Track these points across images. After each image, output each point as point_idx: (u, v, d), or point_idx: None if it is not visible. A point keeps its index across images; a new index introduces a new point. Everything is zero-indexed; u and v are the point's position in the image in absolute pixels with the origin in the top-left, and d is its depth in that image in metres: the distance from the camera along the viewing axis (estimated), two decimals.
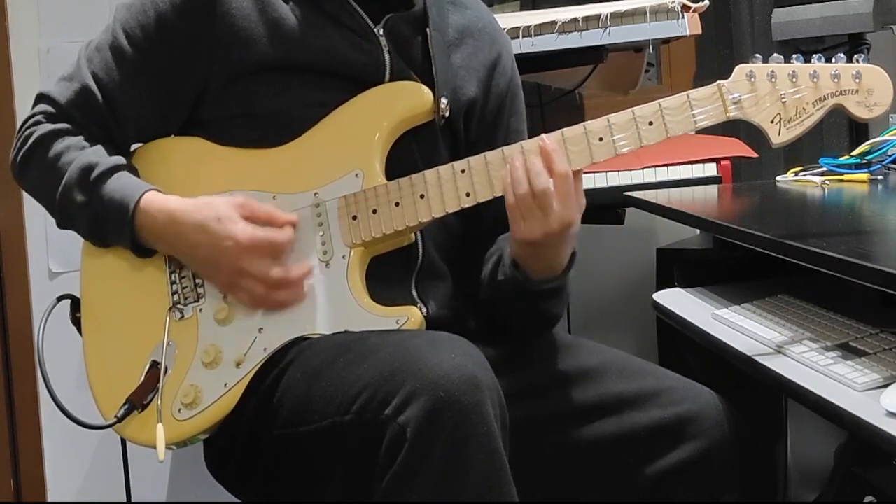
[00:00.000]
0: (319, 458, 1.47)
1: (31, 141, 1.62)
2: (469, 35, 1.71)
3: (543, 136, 1.51)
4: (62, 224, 1.64)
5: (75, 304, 1.66)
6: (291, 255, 1.56)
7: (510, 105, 1.74)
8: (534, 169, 1.48)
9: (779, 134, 1.49)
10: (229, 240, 1.52)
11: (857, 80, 1.47)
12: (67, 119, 1.62)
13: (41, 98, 1.65)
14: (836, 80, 1.48)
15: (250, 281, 1.53)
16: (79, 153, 1.59)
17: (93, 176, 1.57)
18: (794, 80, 1.49)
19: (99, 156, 1.59)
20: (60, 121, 1.62)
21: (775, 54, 1.51)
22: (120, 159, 1.60)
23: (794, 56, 1.50)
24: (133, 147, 1.68)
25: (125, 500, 2.33)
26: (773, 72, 1.49)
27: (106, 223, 1.58)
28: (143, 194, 1.56)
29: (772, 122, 1.49)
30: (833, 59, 1.49)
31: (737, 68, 1.51)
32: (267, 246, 1.52)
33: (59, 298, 1.66)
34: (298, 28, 1.59)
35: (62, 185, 1.58)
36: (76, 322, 1.66)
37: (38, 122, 1.63)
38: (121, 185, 1.57)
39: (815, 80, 1.48)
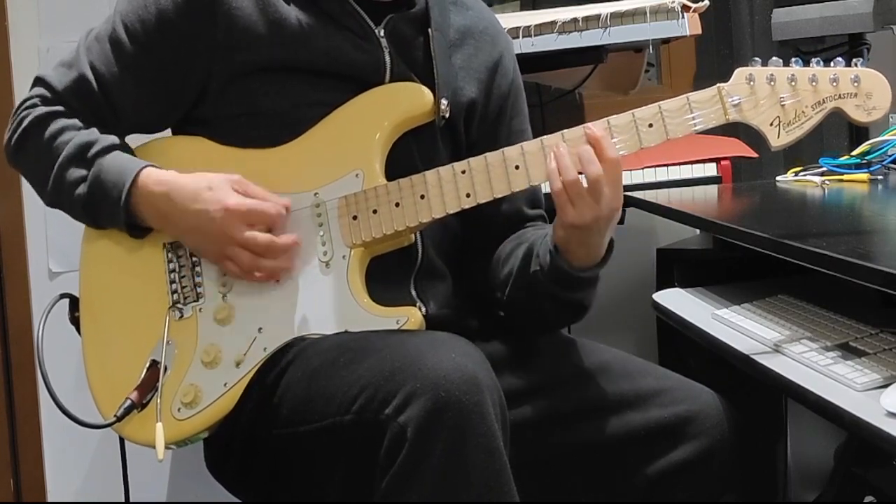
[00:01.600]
0: (319, 457, 1.47)
1: (26, 122, 1.62)
2: (470, 36, 1.71)
3: (588, 124, 1.51)
4: (52, 202, 1.63)
5: (74, 303, 1.66)
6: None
7: (512, 106, 1.74)
8: (586, 156, 1.48)
9: (778, 137, 1.50)
10: (218, 205, 1.52)
11: (856, 84, 1.47)
12: (63, 104, 1.62)
13: (38, 82, 1.65)
14: (834, 83, 1.48)
15: (237, 249, 1.53)
16: (76, 132, 1.60)
17: (91, 152, 1.58)
18: (793, 83, 1.49)
19: (96, 135, 1.60)
20: (55, 104, 1.62)
21: (774, 58, 1.51)
22: (116, 139, 1.61)
23: (793, 59, 1.50)
24: (129, 139, 1.68)
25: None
26: (772, 75, 1.49)
27: (101, 199, 1.57)
28: (141, 169, 1.56)
29: (771, 124, 1.50)
30: (832, 63, 1.49)
31: (736, 71, 1.51)
32: (255, 213, 1.53)
33: (60, 297, 1.66)
34: (299, 29, 1.59)
35: (59, 162, 1.59)
36: (75, 322, 1.66)
37: (34, 105, 1.63)
38: (119, 161, 1.58)
39: (813, 83, 1.49)
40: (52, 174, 1.60)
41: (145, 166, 1.57)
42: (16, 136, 1.64)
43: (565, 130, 1.52)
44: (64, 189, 1.60)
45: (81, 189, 1.58)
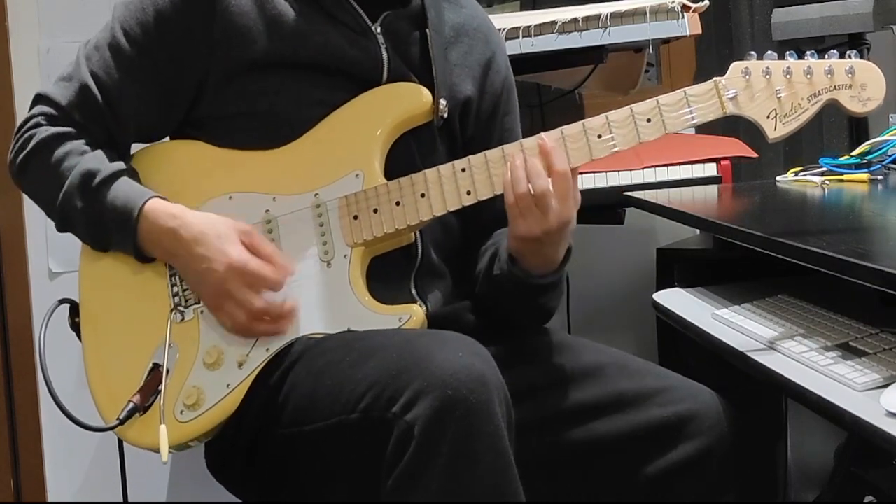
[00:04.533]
0: (325, 456, 1.47)
1: (31, 144, 1.60)
2: (464, 33, 1.73)
3: (542, 134, 1.52)
4: (61, 228, 1.63)
5: (74, 308, 1.65)
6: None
7: (505, 104, 1.75)
8: (534, 169, 1.49)
9: (775, 129, 1.52)
10: (223, 257, 1.52)
11: (850, 76, 1.50)
12: (68, 121, 1.61)
13: (40, 99, 1.63)
14: (829, 75, 1.50)
15: (233, 305, 1.52)
16: (80, 158, 1.58)
17: (95, 182, 1.56)
18: (789, 76, 1.51)
19: (100, 162, 1.58)
20: (61, 123, 1.61)
21: (769, 52, 1.53)
22: (121, 165, 1.60)
23: (788, 53, 1.53)
24: (133, 146, 1.68)
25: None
26: (767, 68, 1.51)
27: (109, 229, 1.57)
28: (146, 200, 1.55)
29: (767, 117, 1.52)
30: (826, 56, 1.52)
31: (732, 65, 1.53)
32: (256, 276, 1.52)
33: (60, 302, 1.64)
34: (297, 25, 1.59)
35: (63, 190, 1.58)
36: (75, 327, 1.65)
37: (38, 125, 1.61)
38: (123, 191, 1.57)
39: (809, 76, 1.51)
40: (57, 203, 1.59)
41: (150, 197, 1.56)
42: (20, 157, 1.62)
43: (564, 126, 1.53)
44: (71, 219, 1.59)
45: (87, 221, 1.57)
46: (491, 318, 1.68)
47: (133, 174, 1.61)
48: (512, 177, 1.50)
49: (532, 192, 1.48)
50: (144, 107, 1.62)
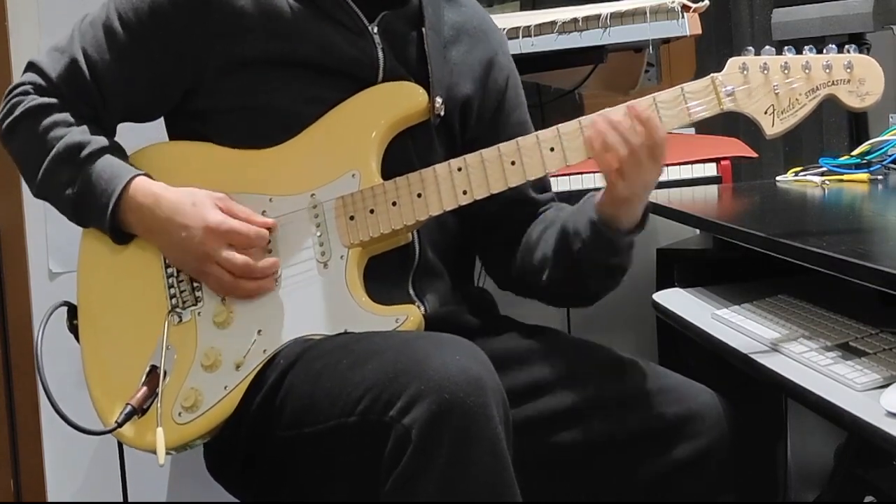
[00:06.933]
0: (323, 459, 1.47)
1: (18, 110, 1.63)
2: (464, 32, 1.72)
3: (629, 103, 1.51)
4: (40, 195, 1.64)
5: (72, 311, 1.66)
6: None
7: (511, 100, 1.75)
8: (651, 122, 1.48)
9: (772, 125, 1.51)
10: (198, 222, 1.53)
11: (849, 71, 1.49)
12: (55, 93, 1.62)
13: (31, 67, 1.66)
14: (827, 70, 1.50)
15: (216, 267, 1.54)
16: (67, 130, 1.60)
17: (82, 154, 1.58)
18: (787, 71, 1.50)
19: (87, 135, 1.60)
20: (48, 94, 1.63)
21: (767, 47, 1.53)
22: (107, 140, 1.61)
23: (786, 48, 1.52)
24: (132, 147, 1.68)
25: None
26: (765, 64, 1.51)
27: (90, 204, 1.58)
28: (133, 178, 1.57)
29: (765, 113, 1.51)
30: (825, 51, 1.51)
31: (730, 61, 1.52)
32: (235, 234, 1.53)
33: (57, 305, 1.65)
34: (294, 22, 1.59)
35: (48, 159, 1.59)
36: (73, 329, 1.65)
37: (26, 93, 1.64)
38: (110, 166, 1.58)
39: (807, 70, 1.50)
40: (41, 169, 1.60)
41: (136, 175, 1.57)
42: (7, 122, 1.64)
43: (560, 125, 1.53)
44: (53, 186, 1.60)
45: (70, 191, 1.58)
46: (560, 298, 1.71)
47: (118, 151, 1.62)
48: (619, 137, 1.48)
49: (648, 143, 1.47)
50: (133, 90, 1.63)
